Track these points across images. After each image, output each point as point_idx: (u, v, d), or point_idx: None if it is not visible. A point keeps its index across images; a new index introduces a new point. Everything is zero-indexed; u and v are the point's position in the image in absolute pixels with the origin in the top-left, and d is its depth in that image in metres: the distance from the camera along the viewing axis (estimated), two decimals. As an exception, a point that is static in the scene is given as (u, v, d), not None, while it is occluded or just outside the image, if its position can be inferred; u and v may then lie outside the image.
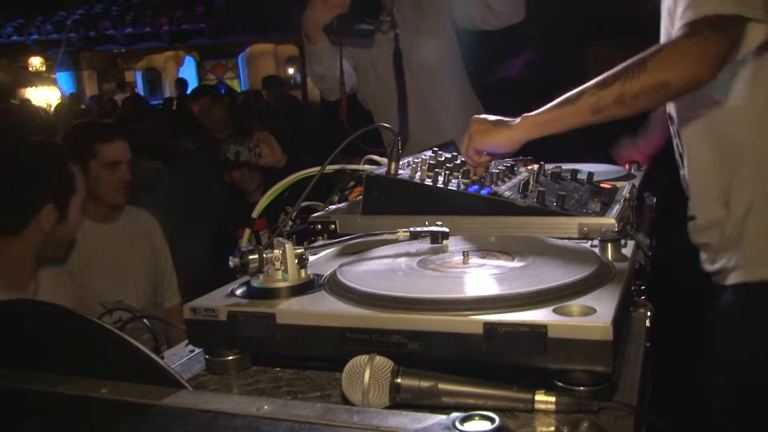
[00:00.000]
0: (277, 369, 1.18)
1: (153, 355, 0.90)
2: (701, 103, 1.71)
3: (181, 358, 1.28)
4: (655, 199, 2.21)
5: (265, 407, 0.75)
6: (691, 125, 1.78)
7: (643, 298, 1.41)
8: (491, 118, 1.66)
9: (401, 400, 0.97)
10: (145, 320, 1.72)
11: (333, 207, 1.75)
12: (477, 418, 0.68)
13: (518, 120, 1.61)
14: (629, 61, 1.49)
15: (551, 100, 1.60)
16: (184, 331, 1.19)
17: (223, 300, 1.18)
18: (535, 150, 1.96)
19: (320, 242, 1.57)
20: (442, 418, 0.69)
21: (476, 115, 1.69)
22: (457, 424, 0.67)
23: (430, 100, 2.97)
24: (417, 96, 2.95)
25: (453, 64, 3.07)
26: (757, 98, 1.66)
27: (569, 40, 3.28)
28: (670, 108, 1.86)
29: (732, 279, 1.76)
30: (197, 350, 1.27)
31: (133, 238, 2.97)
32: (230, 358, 1.17)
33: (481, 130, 1.64)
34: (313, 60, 2.84)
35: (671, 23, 1.59)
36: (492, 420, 0.67)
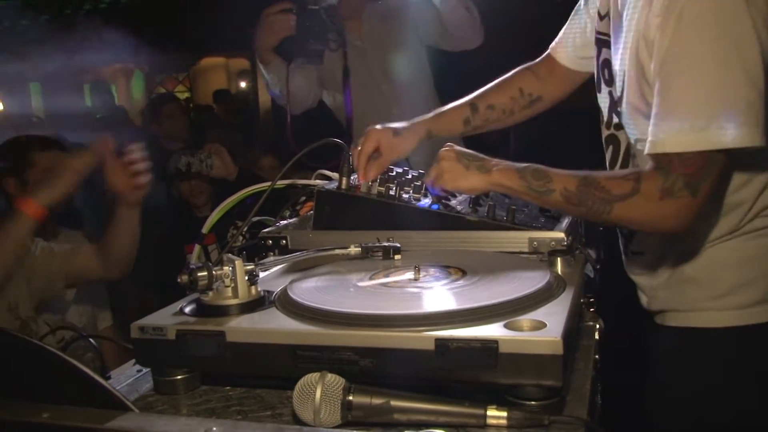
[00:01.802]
0: (228, 388, 1.16)
1: (97, 377, 0.87)
2: None
3: (129, 378, 1.25)
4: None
5: (214, 429, 0.73)
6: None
7: (592, 310, 1.43)
8: (464, 154, 1.52)
9: (353, 418, 0.96)
10: (91, 340, 1.67)
11: (284, 222, 1.74)
12: (428, 435, 0.67)
13: (488, 167, 1.48)
14: (597, 188, 1.36)
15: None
16: (126, 349, 1.16)
17: (171, 318, 1.15)
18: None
19: (271, 258, 1.56)
20: (392, 436, 0.68)
21: (447, 149, 1.55)
22: (409, 443, 0.66)
23: (395, 111, 2.97)
24: (383, 106, 3.02)
25: (420, 77, 3.14)
26: None
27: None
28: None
29: (673, 321, 1.61)
30: (145, 370, 1.25)
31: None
32: (179, 377, 1.15)
33: (452, 170, 1.50)
34: (268, 79, 2.93)
35: (639, 76, 1.41)
36: (443, 437, 0.67)
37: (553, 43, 1.91)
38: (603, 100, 1.64)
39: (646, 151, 1.34)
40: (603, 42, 1.61)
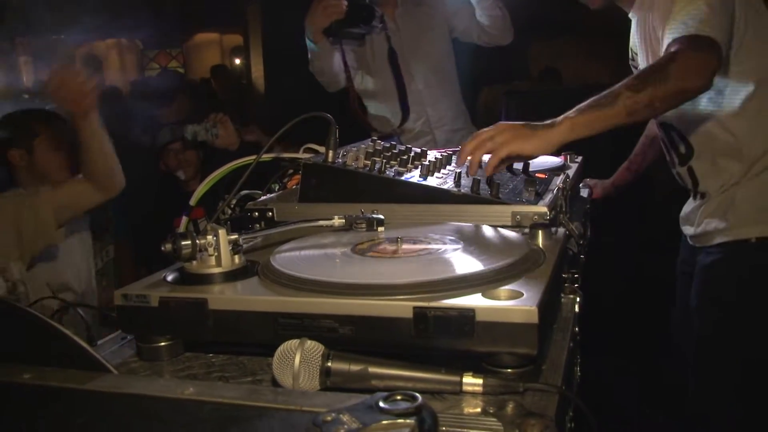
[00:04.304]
0: (210, 355, 1.18)
1: (78, 340, 0.88)
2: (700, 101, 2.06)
3: (113, 345, 1.27)
4: (589, 190, 2.26)
5: (191, 389, 0.74)
6: (699, 123, 2.12)
7: (576, 286, 1.45)
8: (523, 124, 1.63)
9: (332, 384, 0.97)
10: (79, 309, 1.68)
11: (271, 195, 1.75)
12: (400, 397, 0.69)
13: (557, 121, 1.62)
14: (649, 69, 1.77)
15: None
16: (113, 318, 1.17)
17: (154, 286, 1.17)
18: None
19: (256, 229, 1.57)
20: (366, 397, 0.70)
21: (502, 122, 1.64)
22: (380, 403, 0.68)
23: (422, 96, 3.38)
24: (412, 92, 3.36)
25: (445, 64, 3.46)
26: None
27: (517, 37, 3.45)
28: (665, 118, 2.19)
29: (720, 238, 2.12)
30: (130, 337, 1.26)
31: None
32: (162, 344, 1.16)
33: (520, 134, 1.59)
34: (314, 57, 3.20)
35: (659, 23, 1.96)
36: (414, 399, 0.68)
37: None
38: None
39: (672, 38, 1.79)
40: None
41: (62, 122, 2.89)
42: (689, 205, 2.29)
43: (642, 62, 2.16)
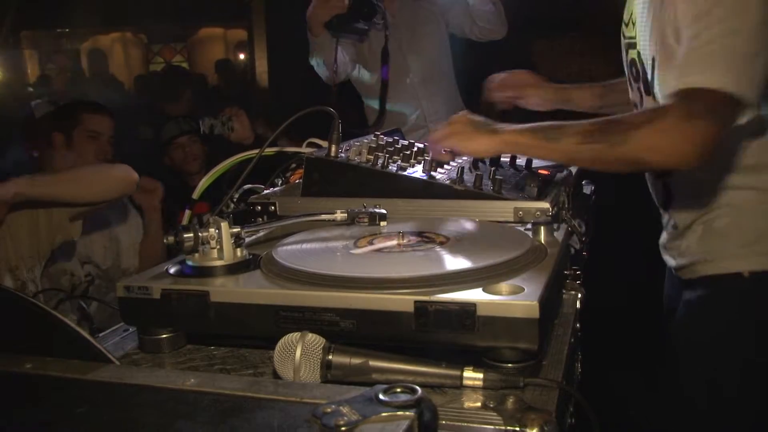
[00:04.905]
0: (212, 347, 1.18)
1: (80, 330, 0.89)
2: None
3: (115, 336, 1.27)
4: (593, 187, 2.26)
5: (192, 380, 0.75)
6: None
7: (578, 282, 1.45)
8: (475, 119, 1.61)
9: (332, 377, 0.98)
10: (81, 302, 1.69)
11: (274, 189, 1.75)
12: (400, 390, 0.69)
13: (499, 130, 1.56)
14: (615, 122, 1.46)
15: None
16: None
17: (156, 278, 1.17)
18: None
19: (259, 223, 1.57)
20: (366, 390, 0.70)
21: (459, 114, 1.65)
22: (380, 396, 0.68)
23: (417, 89, 3.44)
24: (407, 85, 3.41)
25: (441, 59, 3.49)
26: None
27: (515, 34, 3.45)
28: None
29: (703, 271, 1.73)
30: (132, 329, 1.27)
31: None
32: (164, 336, 1.16)
33: (463, 132, 1.59)
34: (314, 49, 3.20)
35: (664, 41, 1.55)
36: (413, 392, 0.68)
37: None
38: (635, 96, 1.79)
39: (674, 89, 1.41)
40: (630, 45, 1.77)
41: (106, 115, 3.03)
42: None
43: (643, 37, 1.69)
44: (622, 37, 1.83)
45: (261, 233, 1.44)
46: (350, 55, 3.33)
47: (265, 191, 1.75)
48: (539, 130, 1.51)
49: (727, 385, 1.66)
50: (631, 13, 1.75)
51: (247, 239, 1.34)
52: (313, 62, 3.28)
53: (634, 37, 1.74)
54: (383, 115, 3.34)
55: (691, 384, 1.75)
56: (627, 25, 1.79)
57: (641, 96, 1.75)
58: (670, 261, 1.86)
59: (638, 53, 1.72)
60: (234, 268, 1.17)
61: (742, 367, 1.65)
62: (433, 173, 1.59)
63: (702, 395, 1.71)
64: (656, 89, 1.64)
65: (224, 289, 1.11)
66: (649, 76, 1.67)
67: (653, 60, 1.63)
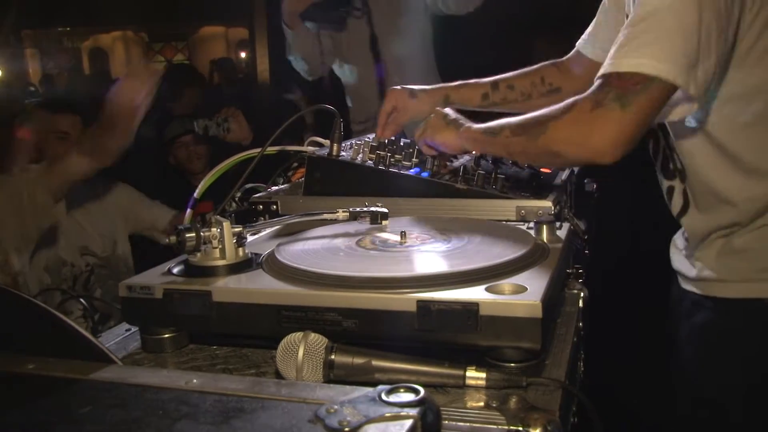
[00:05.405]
0: (214, 347, 1.18)
1: (82, 331, 0.89)
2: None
3: (117, 336, 1.27)
4: (595, 186, 2.26)
5: (194, 381, 0.75)
6: (691, 136, 1.53)
7: (580, 281, 1.44)
8: (451, 115, 1.64)
9: (335, 377, 0.98)
10: (81, 300, 1.69)
11: (275, 188, 1.75)
12: (402, 390, 0.69)
13: (461, 126, 1.58)
14: (541, 114, 1.38)
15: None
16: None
17: (159, 278, 1.17)
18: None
19: (260, 222, 1.57)
20: (368, 390, 0.70)
21: (439, 108, 1.68)
22: (383, 396, 0.68)
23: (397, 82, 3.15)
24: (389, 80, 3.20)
25: (423, 49, 3.33)
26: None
27: (514, 31, 3.42)
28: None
29: (719, 292, 1.59)
30: (134, 329, 1.26)
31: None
32: (166, 336, 1.16)
33: (436, 125, 1.63)
34: (291, 43, 3.10)
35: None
36: (416, 392, 0.68)
37: (581, 40, 1.97)
38: None
39: (602, 70, 1.33)
40: None
41: (73, 114, 2.94)
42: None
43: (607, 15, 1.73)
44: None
45: (263, 232, 1.44)
46: (327, 47, 3.20)
47: (267, 190, 1.75)
48: (490, 126, 1.49)
49: (734, 411, 1.58)
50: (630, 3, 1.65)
51: (249, 238, 1.34)
52: (291, 57, 3.18)
53: None
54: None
55: (695, 404, 1.67)
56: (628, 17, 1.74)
57: None
58: (683, 267, 1.71)
59: None
60: (236, 268, 1.17)
61: (748, 393, 1.55)
62: (435, 171, 1.59)
63: (705, 416, 1.64)
64: None
65: (226, 289, 1.10)
66: None
67: None
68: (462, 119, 1.60)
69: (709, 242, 1.58)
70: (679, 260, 1.73)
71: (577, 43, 1.99)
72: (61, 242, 2.70)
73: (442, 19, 3.35)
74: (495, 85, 1.99)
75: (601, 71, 1.32)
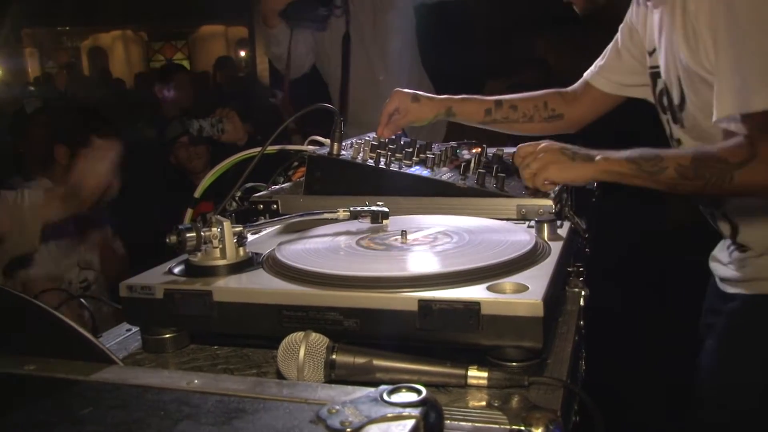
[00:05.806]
0: (215, 347, 1.18)
1: (83, 331, 0.88)
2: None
3: (118, 336, 1.27)
4: (596, 184, 2.25)
5: (195, 381, 0.74)
6: None
7: (581, 279, 1.44)
8: (566, 147, 1.56)
9: (336, 377, 0.97)
10: (82, 300, 1.68)
11: (276, 187, 1.75)
12: (404, 390, 0.69)
13: (594, 158, 1.52)
14: (709, 158, 1.44)
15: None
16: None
17: (159, 278, 1.17)
18: (480, 135, 2.02)
19: (261, 221, 1.56)
20: (370, 390, 0.70)
21: (549, 142, 1.58)
22: (385, 396, 0.67)
23: (382, 85, 3.15)
24: (367, 73, 3.18)
25: (407, 44, 3.28)
26: None
27: (515, 29, 3.41)
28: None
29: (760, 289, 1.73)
30: (134, 329, 1.26)
31: None
32: (167, 336, 1.16)
33: (558, 162, 1.53)
34: (270, 42, 3.06)
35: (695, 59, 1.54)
36: (419, 392, 0.68)
37: (590, 71, 2.05)
38: (666, 126, 1.80)
39: (734, 113, 1.41)
40: (656, 74, 1.77)
41: (117, 140, 2.87)
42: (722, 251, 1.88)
43: (663, 61, 1.70)
44: (648, 67, 1.83)
45: (263, 232, 1.44)
46: (309, 45, 3.17)
47: (267, 189, 1.75)
48: (637, 160, 1.48)
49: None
50: (654, 44, 1.75)
51: (250, 238, 1.34)
52: (271, 56, 3.15)
53: (658, 66, 1.74)
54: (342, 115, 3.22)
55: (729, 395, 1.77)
56: (651, 54, 1.79)
57: (670, 126, 1.75)
58: (727, 273, 1.82)
59: (664, 82, 1.71)
60: (237, 268, 1.17)
61: None
62: (435, 170, 1.59)
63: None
64: (692, 120, 1.64)
65: (227, 289, 1.10)
66: (675, 101, 1.67)
67: (679, 81, 1.63)
68: (584, 150, 1.55)
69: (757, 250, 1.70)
70: (722, 269, 1.84)
71: (585, 74, 2.07)
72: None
73: (425, 12, 3.32)
74: (499, 103, 2.04)
75: (743, 111, 1.40)
